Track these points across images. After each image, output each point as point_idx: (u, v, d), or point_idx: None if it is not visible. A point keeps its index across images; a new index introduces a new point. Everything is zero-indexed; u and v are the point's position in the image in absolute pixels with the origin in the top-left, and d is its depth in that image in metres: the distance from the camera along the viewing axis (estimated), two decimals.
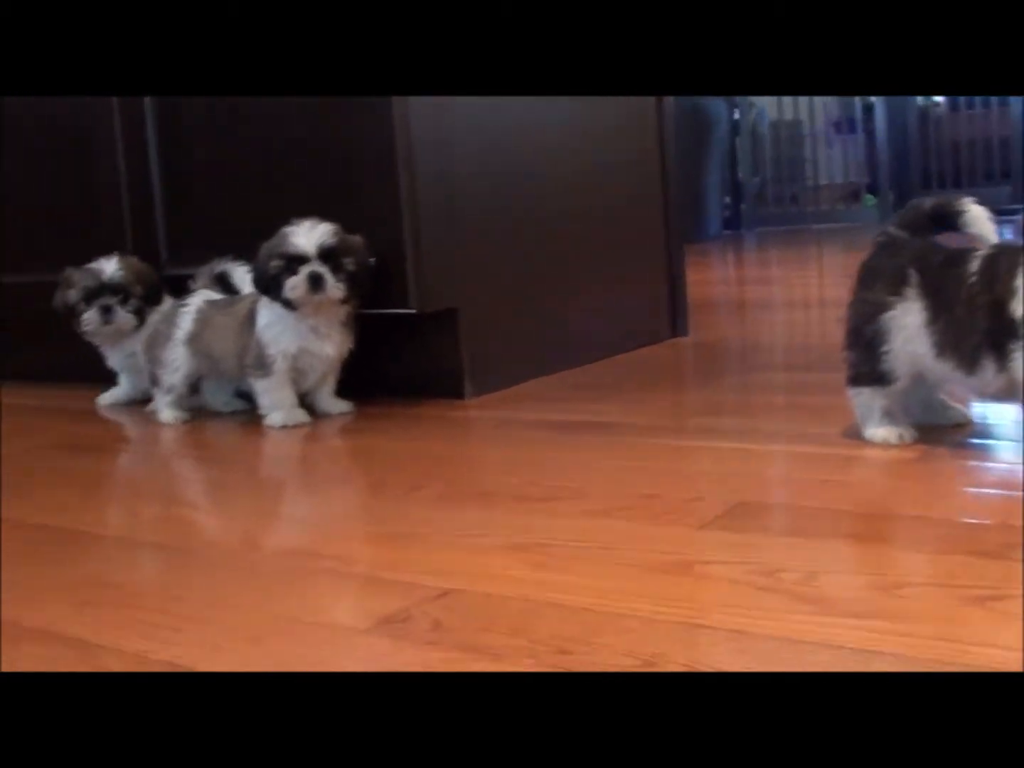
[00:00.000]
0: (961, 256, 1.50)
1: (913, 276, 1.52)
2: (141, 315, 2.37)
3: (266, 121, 2.25)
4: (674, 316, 2.84)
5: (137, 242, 2.50)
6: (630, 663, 0.96)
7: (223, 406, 2.30)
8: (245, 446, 2.04)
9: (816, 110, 7.67)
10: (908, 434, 1.60)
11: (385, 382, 2.25)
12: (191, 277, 2.27)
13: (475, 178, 2.23)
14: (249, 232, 2.13)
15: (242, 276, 2.23)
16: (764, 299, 3.90)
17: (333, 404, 2.16)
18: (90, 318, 2.36)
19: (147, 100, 2.42)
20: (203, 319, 2.19)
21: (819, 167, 7.69)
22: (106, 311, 2.34)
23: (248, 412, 2.24)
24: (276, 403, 2.09)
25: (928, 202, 1.59)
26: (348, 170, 2.14)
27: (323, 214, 2.05)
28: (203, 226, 2.38)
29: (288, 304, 2.03)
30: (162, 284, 2.41)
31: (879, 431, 1.61)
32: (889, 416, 1.60)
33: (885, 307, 1.54)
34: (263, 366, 2.07)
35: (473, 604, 1.12)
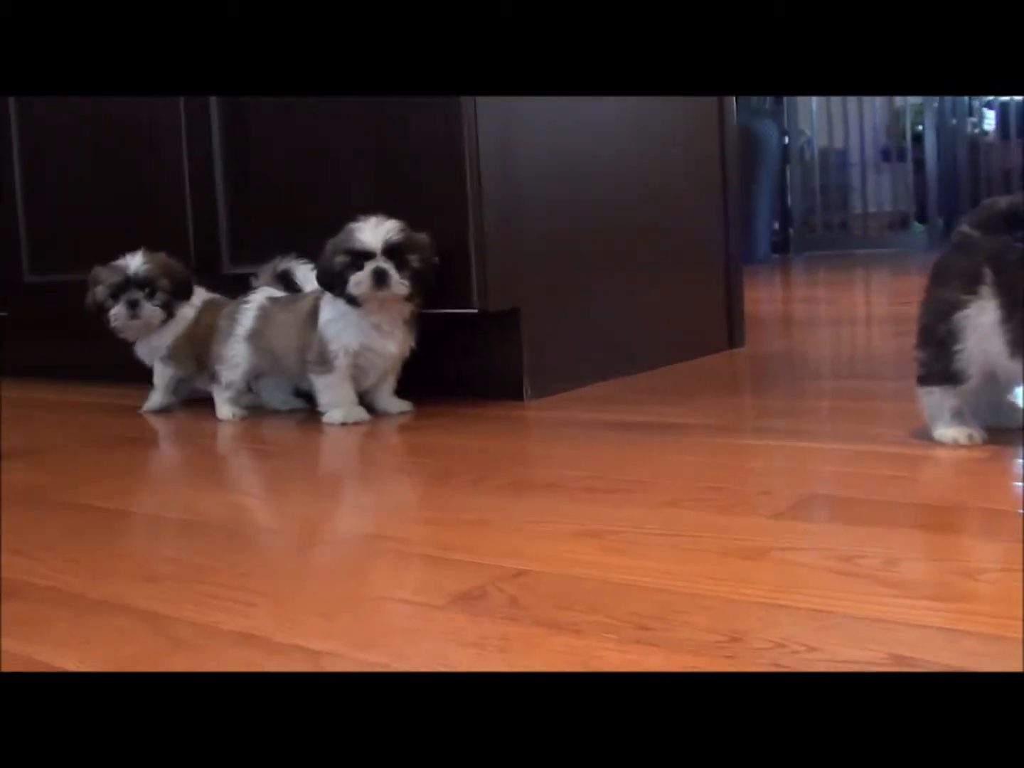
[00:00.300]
0: None
1: (987, 275, 1.51)
2: (169, 309, 2.37)
3: (331, 120, 2.26)
4: (731, 327, 2.83)
5: (199, 241, 2.52)
6: (713, 639, 0.95)
7: (280, 404, 2.30)
8: (306, 440, 2.04)
9: (865, 138, 7.64)
10: (978, 434, 1.58)
11: (444, 382, 2.26)
12: (253, 275, 2.27)
13: (538, 180, 2.23)
14: (313, 231, 2.15)
15: (304, 274, 2.23)
16: (814, 316, 3.88)
17: (393, 403, 2.16)
18: (117, 313, 2.36)
19: (213, 99, 2.44)
20: (265, 316, 2.20)
21: (867, 195, 7.66)
22: (132, 305, 2.34)
23: (305, 411, 2.25)
24: (336, 400, 2.09)
25: (1003, 201, 1.58)
26: (414, 169, 2.15)
27: (388, 212, 2.05)
28: (266, 225, 2.39)
29: (352, 300, 2.03)
30: (191, 279, 2.41)
31: (949, 431, 1.59)
32: (959, 416, 1.59)
33: (959, 306, 1.53)
34: (325, 362, 2.08)
35: (548, 583, 1.12)
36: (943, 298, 1.55)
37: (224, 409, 2.24)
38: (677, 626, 0.98)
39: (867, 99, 7.44)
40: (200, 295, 2.43)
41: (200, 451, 2.07)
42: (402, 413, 2.15)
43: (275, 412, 2.29)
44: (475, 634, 0.99)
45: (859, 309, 4.17)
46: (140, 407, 2.42)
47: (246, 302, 2.24)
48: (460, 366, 2.25)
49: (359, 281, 2.00)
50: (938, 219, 7.19)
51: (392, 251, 2.02)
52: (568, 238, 2.31)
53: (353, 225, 2.03)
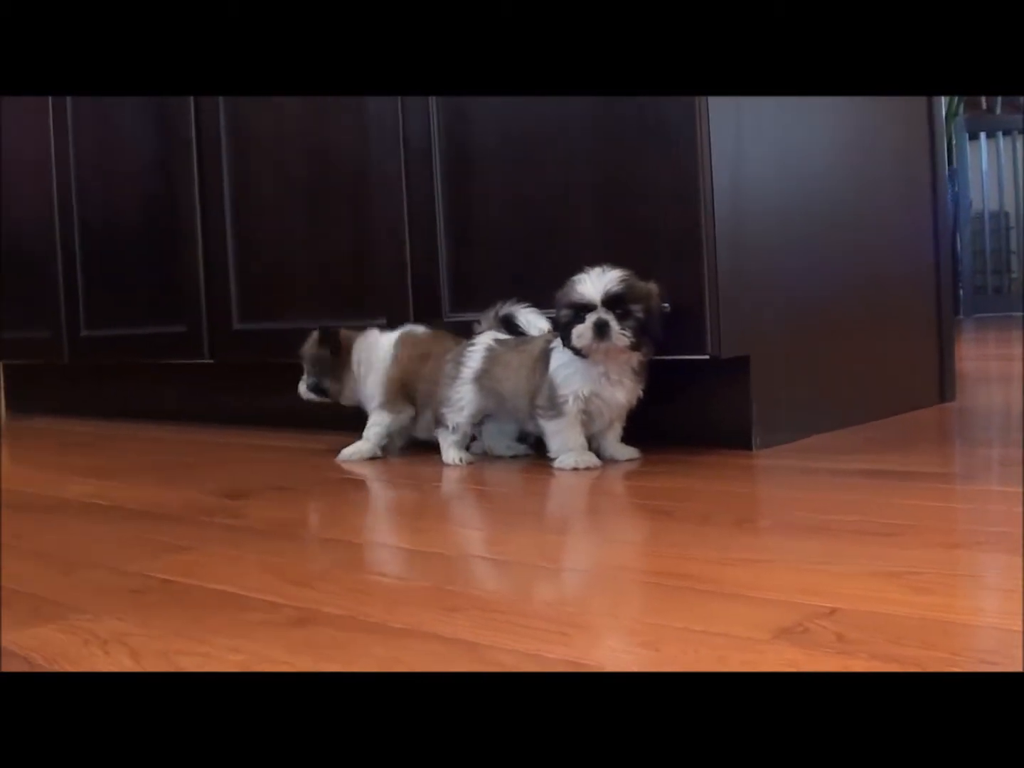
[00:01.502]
0: None
1: None
2: None
3: (558, 166, 2.27)
4: (942, 380, 2.78)
5: (418, 288, 2.54)
6: None
7: (505, 450, 2.30)
8: (543, 483, 2.03)
9: (1022, 200, 7.51)
10: None
11: (670, 430, 2.24)
12: (476, 321, 2.28)
13: (767, 224, 2.22)
14: (541, 280, 2.16)
15: (527, 318, 2.23)
16: (1006, 373, 3.80)
17: (620, 450, 2.15)
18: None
19: (435, 145, 2.46)
20: (492, 357, 2.20)
21: None
22: None
23: (530, 456, 2.24)
24: (566, 444, 2.09)
25: None
26: (645, 214, 2.14)
27: (617, 259, 2.05)
28: (488, 272, 2.40)
29: (577, 352, 2.03)
30: None
31: None
32: None
33: None
34: (555, 406, 2.07)
35: (868, 621, 1.09)
36: None
37: (451, 453, 2.24)
38: (1020, 662, 0.95)
39: None
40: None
41: (439, 491, 2.07)
42: (630, 460, 2.14)
43: (499, 458, 2.29)
44: (813, 668, 0.97)
45: None
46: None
47: (472, 344, 2.24)
48: (687, 414, 2.24)
49: (580, 334, 2.01)
50: None
51: (613, 302, 2.01)
52: (794, 284, 2.29)
53: (576, 277, 2.04)
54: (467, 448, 2.28)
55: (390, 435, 2.42)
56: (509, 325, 2.27)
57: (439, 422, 2.27)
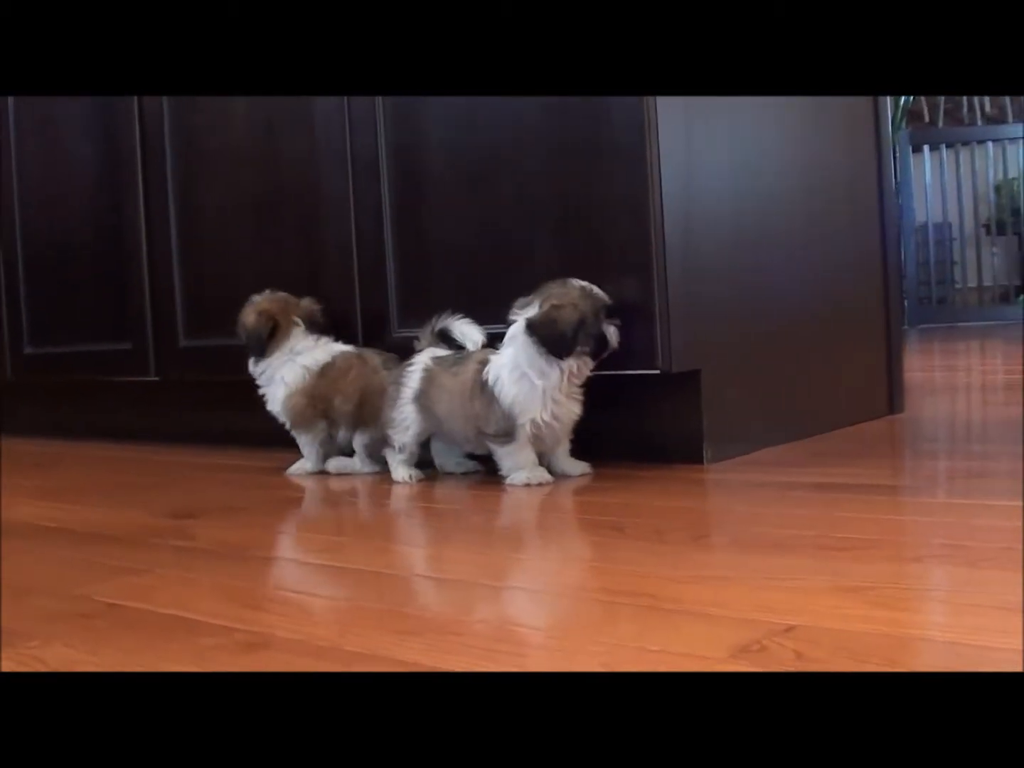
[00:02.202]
0: None
1: None
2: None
3: (509, 180, 2.26)
4: (891, 392, 2.79)
5: (366, 305, 2.52)
6: None
7: (455, 467, 2.28)
8: (493, 500, 2.01)
9: (965, 213, 7.59)
10: None
11: (621, 444, 2.23)
12: (416, 338, 2.26)
13: (717, 240, 2.22)
14: (491, 293, 2.14)
15: (462, 331, 2.19)
16: (951, 383, 3.83)
17: (571, 465, 2.13)
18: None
19: (383, 157, 2.45)
20: (429, 377, 2.17)
21: (981, 268, 7.62)
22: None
23: (479, 473, 2.23)
24: (518, 464, 2.07)
25: None
26: (595, 229, 2.13)
27: (568, 274, 2.05)
28: (438, 289, 2.38)
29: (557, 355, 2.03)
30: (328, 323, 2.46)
31: None
32: None
33: None
34: (507, 433, 2.06)
35: (827, 638, 1.08)
36: None
37: (400, 471, 2.22)
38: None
39: (978, 173, 7.38)
40: (329, 349, 2.43)
41: (381, 510, 2.06)
42: (582, 475, 2.12)
43: (450, 475, 2.27)
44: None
45: (995, 377, 4.11)
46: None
47: (411, 364, 2.21)
48: (639, 428, 2.23)
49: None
50: None
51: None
52: (745, 298, 2.29)
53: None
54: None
55: (322, 446, 2.42)
56: (447, 339, 2.23)
57: (386, 442, 2.25)
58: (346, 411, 2.36)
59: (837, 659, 1.01)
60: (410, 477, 2.21)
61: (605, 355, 2.05)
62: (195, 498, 2.18)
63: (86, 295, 3.21)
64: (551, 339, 2.01)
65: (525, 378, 2.04)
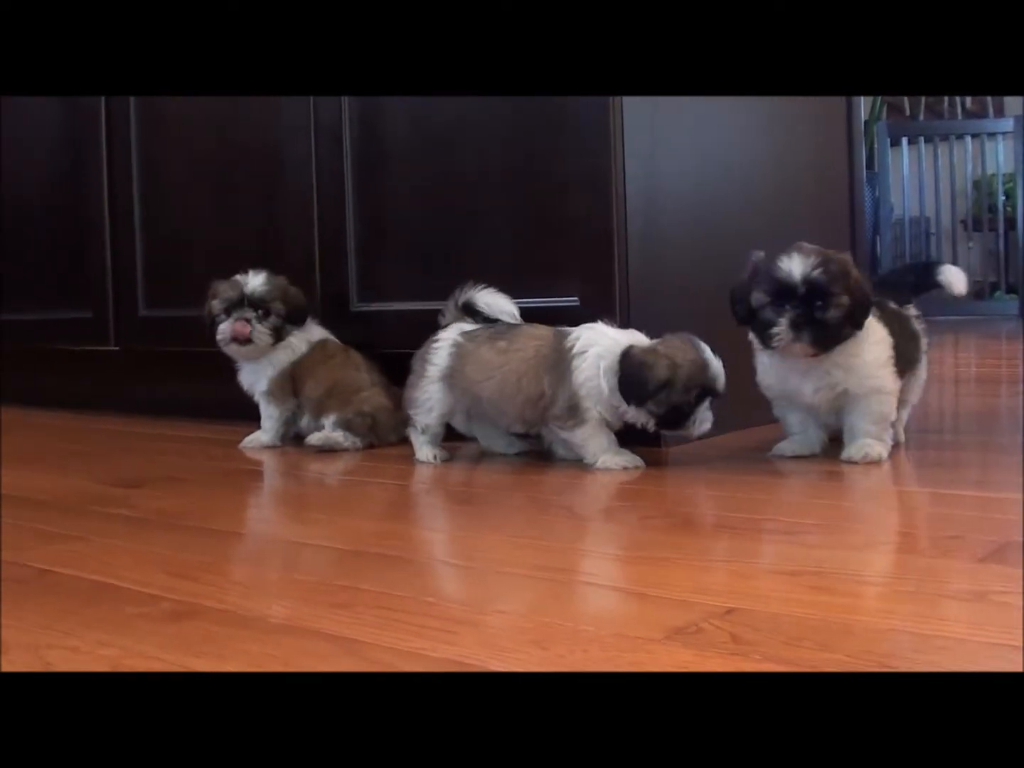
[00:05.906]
0: None
1: None
2: (279, 334, 2.33)
3: (471, 157, 2.23)
4: None
5: (326, 279, 2.48)
6: None
7: (505, 447, 2.17)
8: (438, 478, 1.98)
9: (942, 207, 7.57)
10: None
11: None
12: (440, 314, 2.14)
13: (679, 220, 2.19)
14: (450, 269, 2.11)
15: (489, 302, 2.08)
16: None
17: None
18: (225, 329, 2.32)
19: (346, 124, 2.41)
20: (462, 353, 2.06)
21: (958, 262, 7.61)
22: (243, 324, 2.30)
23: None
24: (602, 447, 1.98)
25: None
26: (557, 205, 2.10)
27: (527, 250, 2.02)
28: (398, 263, 2.35)
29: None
30: (307, 308, 2.38)
31: None
32: None
33: None
34: (575, 415, 1.97)
35: (765, 621, 1.05)
36: None
37: (424, 451, 2.11)
38: (921, 666, 0.92)
39: (956, 168, 7.37)
40: (315, 333, 2.39)
41: (338, 485, 2.02)
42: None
43: (501, 455, 2.17)
44: (704, 669, 0.94)
45: (966, 370, 4.11)
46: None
47: (436, 340, 2.09)
48: None
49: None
50: None
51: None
52: (706, 283, 2.25)
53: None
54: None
55: (284, 424, 2.38)
56: (473, 313, 2.10)
57: (407, 423, 2.15)
58: (314, 396, 2.33)
59: (770, 643, 0.99)
60: (435, 457, 2.09)
61: (679, 433, 1.96)
62: (142, 468, 2.15)
63: (46, 262, 3.17)
64: (627, 379, 1.89)
65: (600, 385, 1.93)
